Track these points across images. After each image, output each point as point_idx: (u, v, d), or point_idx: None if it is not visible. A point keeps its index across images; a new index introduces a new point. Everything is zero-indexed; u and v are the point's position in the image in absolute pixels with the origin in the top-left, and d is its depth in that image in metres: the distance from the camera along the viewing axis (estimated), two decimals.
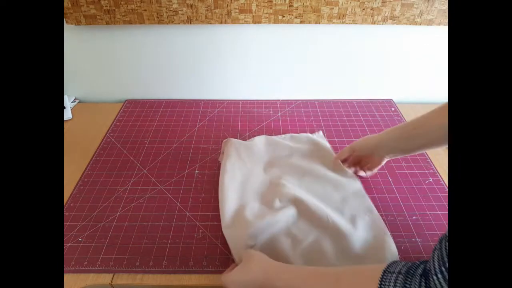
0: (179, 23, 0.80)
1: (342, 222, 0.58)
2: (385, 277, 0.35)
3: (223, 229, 0.59)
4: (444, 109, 0.49)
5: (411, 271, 0.34)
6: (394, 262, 0.37)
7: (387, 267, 0.36)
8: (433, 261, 0.33)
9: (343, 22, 0.80)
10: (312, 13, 0.78)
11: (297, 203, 0.61)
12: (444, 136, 0.48)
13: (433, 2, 0.76)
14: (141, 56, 0.89)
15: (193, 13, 0.78)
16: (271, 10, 0.78)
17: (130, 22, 0.80)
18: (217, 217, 0.62)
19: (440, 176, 0.71)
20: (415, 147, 0.56)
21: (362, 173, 0.69)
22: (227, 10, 0.78)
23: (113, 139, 0.81)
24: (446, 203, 0.65)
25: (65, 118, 0.89)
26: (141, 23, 0.80)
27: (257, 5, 0.77)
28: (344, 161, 0.69)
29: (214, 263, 0.55)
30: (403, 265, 0.36)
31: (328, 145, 0.76)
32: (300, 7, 0.77)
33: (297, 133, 0.83)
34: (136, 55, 0.89)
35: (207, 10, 0.78)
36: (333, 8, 0.77)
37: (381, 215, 0.62)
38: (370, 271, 0.38)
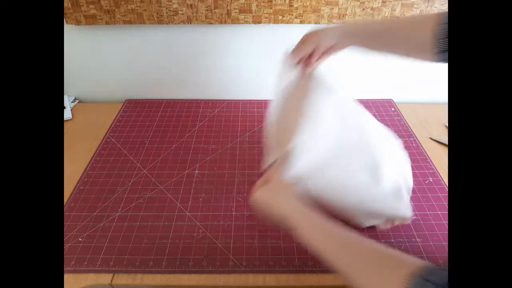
0: (179, 23, 0.80)
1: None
2: (419, 282, 0.30)
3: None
4: (417, 23, 0.49)
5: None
6: (430, 268, 0.32)
7: (422, 273, 0.31)
8: None
9: (343, 22, 0.80)
10: (312, 13, 0.78)
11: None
12: (409, 47, 0.50)
13: (433, 2, 0.76)
14: (141, 56, 0.89)
15: (193, 13, 0.78)
16: (271, 10, 0.78)
17: (130, 22, 0.80)
18: (217, 217, 0.62)
19: (440, 176, 0.71)
20: (378, 47, 0.54)
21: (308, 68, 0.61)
22: (227, 10, 0.78)
23: (113, 139, 0.81)
24: (446, 203, 0.65)
25: (65, 118, 0.89)
26: (141, 23, 0.80)
27: (257, 5, 0.77)
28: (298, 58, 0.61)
29: (214, 263, 0.55)
30: (441, 277, 0.30)
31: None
32: (300, 7, 0.77)
33: None
34: (136, 55, 0.89)
35: (207, 10, 0.78)
36: (333, 8, 0.77)
37: None
38: (402, 265, 0.33)
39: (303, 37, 0.61)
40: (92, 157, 0.76)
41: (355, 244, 0.39)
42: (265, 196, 0.48)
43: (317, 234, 0.41)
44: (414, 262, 0.33)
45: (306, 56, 0.60)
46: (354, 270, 0.36)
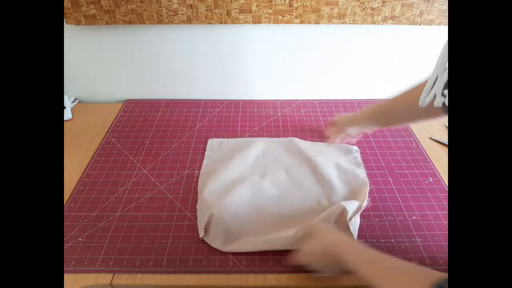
0: (179, 23, 0.80)
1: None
2: None
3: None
4: (410, 93, 0.59)
5: None
6: (446, 278, 0.35)
7: (441, 282, 0.35)
8: None
9: (343, 22, 0.80)
10: (312, 13, 0.78)
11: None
12: (411, 116, 0.60)
13: (433, 2, 0.76)
14: (141, 56, 0.89)
15: (193, 13, 0.78)
16: (271, 10, 0.78)
17: (130, 22, 0.80)
18: None
19: (440, 176, 0.71)
20: (388, 124, 0.72)
21: (349, 140, 0.77)
22: (227, 10, 0.78)
23: (113, 139, 0.81)
24: (446, 203, 0.65)
25: (65, 118, 0.89)
26: (141, 23, 0.80)
27: (257, 5, 0.77)
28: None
29: (214, 263, 0.55)
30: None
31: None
32: (300, 7, 0.77)
33: (296, 133, 0.83)
34: (136, 55, 0.89)
35: (207, 10, 0.78)
36: (333, 8, 0.77)
37: (380, 215, 0.63)
38: (425, 277, 0.37)
39: (332, 122, 0.75)
40: (92, 157, 0.76)
41: (386, 259, 0.43)
42: (310, 246, 0.51)
43: (357, 256, 0.46)
44: (435, 273, 0.37)
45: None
46: (387, 282, 0.40)
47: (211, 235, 0.58)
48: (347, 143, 0.77)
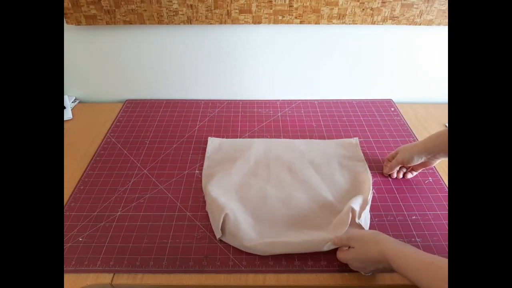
0: (179, 24, 0.80)
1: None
2: None
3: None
4: None
5: None
6: None
7: None
8: None
9: (343, 23, 0.80)
10: (312, 13, 0.78)
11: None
12: None
13: (433, 2, 0.76)
14: (141, 56, 0.89)
15: (193, 13, 0.78)
16: (271, 10, 0.78)
17: (130, 23, 0.80)
18: None
19: (440, 176, 0.71)
20: None
21: (409, 175, 0.71)
22: (227, 11, 0.78)
23: (113, 139, 0.81)
24: (445, 203, 0.65)
25: (65, 118, 0.89)
26: (141, 23, 0.80)
27: (257, 6, 0.77)
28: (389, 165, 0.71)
29: (214, 263, 0.55)
30: None
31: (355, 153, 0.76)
32: (300, 8, 0.77)
33: (296, 133, 0.83)
34: (137, 55, 0.89)
35: (207, 11, 0.78)
36: (333, 9, 0.77)
37: (380, 215, 0.63)
38: None
39: (393, 153, 0.69)
40: (93, 157, 0.76)
41: (441, 265, 0.41)
42: (358, 253, 0.51)
43: (409, 265, 0.44)
44: None
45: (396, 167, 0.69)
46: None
47: (229, 234, 0.58)
48: (404, 177, 0.71)
